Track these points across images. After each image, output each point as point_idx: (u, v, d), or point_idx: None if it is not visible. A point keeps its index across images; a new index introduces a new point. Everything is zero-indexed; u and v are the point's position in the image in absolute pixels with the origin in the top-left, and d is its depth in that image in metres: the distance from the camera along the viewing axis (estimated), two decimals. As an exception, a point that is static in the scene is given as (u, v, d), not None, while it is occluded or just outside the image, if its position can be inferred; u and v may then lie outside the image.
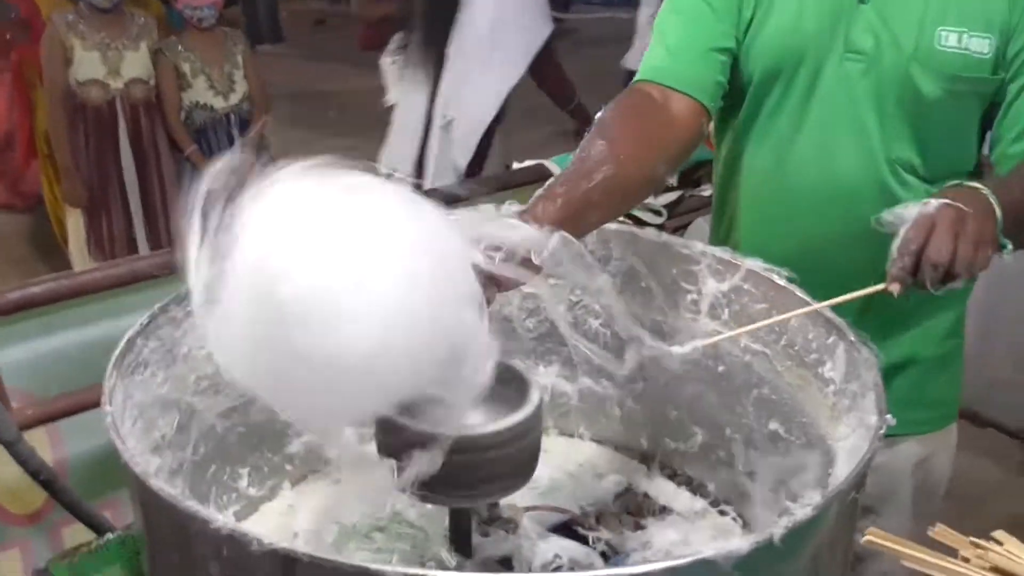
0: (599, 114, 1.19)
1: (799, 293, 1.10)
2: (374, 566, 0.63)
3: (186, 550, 0.75)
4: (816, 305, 1.06)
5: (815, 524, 0.72)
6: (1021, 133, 1.19)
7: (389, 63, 2.97)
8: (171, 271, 1.40)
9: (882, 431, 0.82)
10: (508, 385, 0.98)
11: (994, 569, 0.53)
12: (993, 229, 1.01)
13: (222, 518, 0.68)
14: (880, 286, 0.98)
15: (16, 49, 3.35)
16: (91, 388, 1.41)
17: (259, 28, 7.63)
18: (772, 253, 1.16)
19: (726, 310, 1.22)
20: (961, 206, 0.98)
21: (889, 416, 0.84)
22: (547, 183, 1.05)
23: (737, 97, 1.32)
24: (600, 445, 1.41)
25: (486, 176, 1.78)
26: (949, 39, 1.17)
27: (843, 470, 0.84)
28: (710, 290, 1.23)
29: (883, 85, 1.21)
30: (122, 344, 1.00)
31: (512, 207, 1.16)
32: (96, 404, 1.39)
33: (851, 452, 0.88)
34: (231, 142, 3.15)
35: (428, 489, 0.86)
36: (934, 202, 0.98)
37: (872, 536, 0.57)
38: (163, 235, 3.08)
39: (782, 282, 1.12)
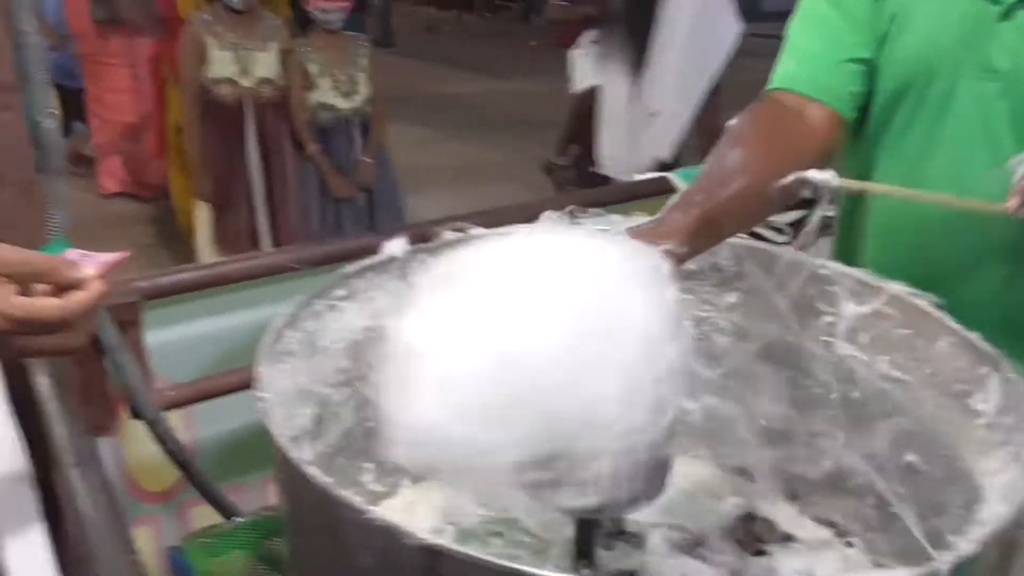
0: (732, 122, 1.18)
1: (948, 321, 1.06)
2: (527, 568, 0.63)
3: (336, 538, 0.76)
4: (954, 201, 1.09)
5: (979, 560, 0.69)
6: None
7: (581, 55, 3.40)
8: (305, 266, 1.47)
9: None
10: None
11: None
12: None
13: (378, 510, 0.69)
14: (995, 206, 1.01)
15: (152, 45, 3.52)
16: (226, 374, 1.48)
17: (371, 33, 7.89)
18: (897, 277, 1.12)
19: (864, 334, 1.19)
20: None
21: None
22: (683, 193, 1.04)
23: (867, 112, 1.29)
24: (721, 467, 1.38)
25: (610, 187, 1.79)
26: None
27: (998, 505, 0.81)
28: (849, 313, 1.19)
29: (1021, 107, 1.16)
30: (272, 332, 1.03)
31: (640, 218, 1.15)
32: (231, 390, 1.46)
33: (1007, 486, 0.85)
34: (351, 143, 3.23)
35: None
36: None
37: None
38: (285, 231, 3.18)
39: (929, 308, 1.08)
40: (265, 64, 3.13)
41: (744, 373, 1.30)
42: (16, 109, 1.08)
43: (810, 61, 1.24)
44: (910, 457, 1.12)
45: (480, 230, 1.34)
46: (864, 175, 1.33)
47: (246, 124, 3.16)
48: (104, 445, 1.38)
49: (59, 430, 0.91)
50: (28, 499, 0.82)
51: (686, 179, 1.93)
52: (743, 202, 1.06)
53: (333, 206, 3.24)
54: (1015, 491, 0.81)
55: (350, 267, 1.21)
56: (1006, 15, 1.15)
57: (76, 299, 0.72)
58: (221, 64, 3.10)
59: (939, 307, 1.08)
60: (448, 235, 1.31)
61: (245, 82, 3.12)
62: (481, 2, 11.68)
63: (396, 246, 1.26)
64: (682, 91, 3.08)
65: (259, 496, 1.63)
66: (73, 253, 0.77)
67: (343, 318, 1.21)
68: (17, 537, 0.77)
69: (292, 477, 0.81)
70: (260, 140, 3.20)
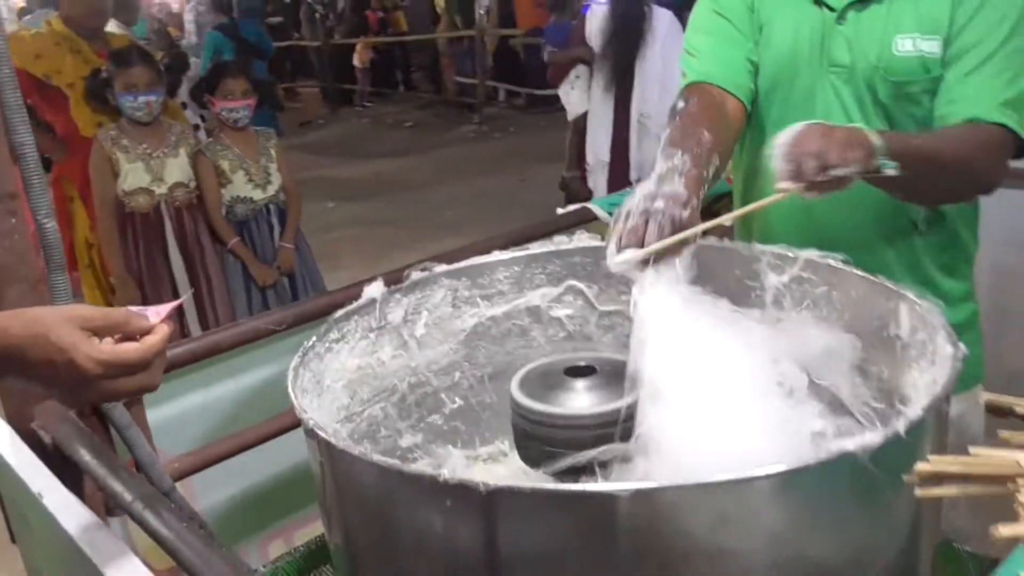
0: (679, 104, 1.39)
1: (856, 271, 1.27)
2: (594, 487, 0.77)
3: (407, 511, 0.88)
4: (726, 217, 1.28)
5: (925, 424, 0.86)
6: (947, 100, 1.38)
7: (569, 89, 4.74)
8: (284, 326, 1.58)
9: (960, 357, 0.97)
10: (617, 379, 1.14)
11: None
12: (864, 140, 1.19)
13: (445, 471, 0.82)
14: (777, 196, 1.18)
15: (55, 166, 3.54)
16: (223, 440, 1.57)
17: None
18: (790, 242, 1.33)
19: (788, 298, 1.38)
20: (825, 123, 1.20)
21: (961, 344, 1.00)
22: (678, 161, 1.19)
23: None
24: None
25: (536, 223, 1.98)
26: (904, 45, 1.38)
27: (926, 395, 0.99)
28: (771, 283, 1.39)
29: (861, 91, 1.41)
30: (291, 373, 1.15)
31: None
32: (230, 455, 1.55)
33: (929, 382, 1.04)
34: (271, 231, 3.34)
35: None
36: (801, 123, 1.19)
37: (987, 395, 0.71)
38: (212, 322, 3.23)
39: (839, 265, 1.29)
40: (176, 169, 3.22)
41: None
42: (21, 213, 1.18)
43: (721, 63, 1.47)
44: (845, 392, 1.31)
45: (442, 266, 1.49)
46: (751, 162, 1.58)
47: (165, 229, 3.23)
48: (113, 525, 1.44)
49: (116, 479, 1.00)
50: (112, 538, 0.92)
51: (603, 206, 2.14)
52: (716, 174, 1.27)
53: (259, 294, 3.32)
54: (938, 380, 0.99)
55: (338, 313, 1.34)
56: (840, 18, 1.41)
57: (151, 342, 0.84)
58: (134, 175, 3.17)
59: (846, 263, 1.29)
60: (415, 275, 1.46)
61: (159, 189, 3.20)
62: (360, 95, 12.00)
63: (374, 289, 1.40)
64: (665, 93, 4.07)
65: (262, 555, 1.70)
66: (132, 308, 0.89)
67: (339, 359, 1.34)
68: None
69: (347, 464, 0.93)
70: (180, 242, 3.27)
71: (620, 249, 1.07)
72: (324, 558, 1.58)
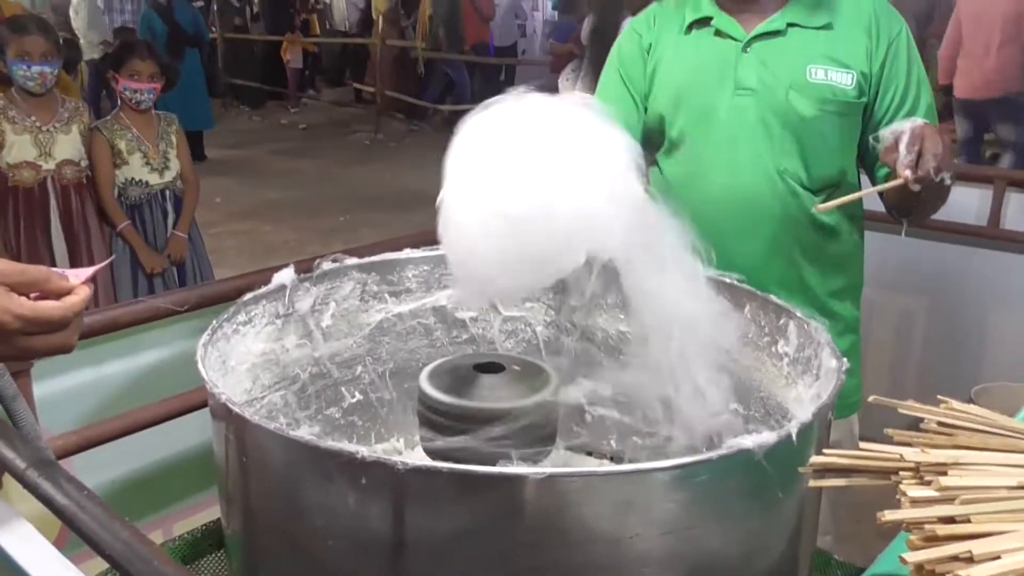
0: None
1: (749, 290, 1.35)
2: (507, 470, 0.81)
3: (318, 488, 0.89)
4: (869, 191, 1.46)
5: (811, 428, 0.94)
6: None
7: (564, 80, 5.38)
8: (186, 308, 1.55)
9: (844, 369, 1.05)
10: (535, 376, 1.18)
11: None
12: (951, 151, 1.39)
13: (363, 450, 0.83)
14: (898, 181, 1.31)
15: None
16: (109, 421, 1.51)
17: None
18: None
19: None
20: (931, 126, 1.36)
21: (845, 360, 1.08)
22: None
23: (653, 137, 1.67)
24: (572, 452, 1.58)
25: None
26: (817, 73, 1.53)
27: (810, 408, 1.07)
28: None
29: (769, 112, 1.54)
30: (200, 350, 1.13)
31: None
32: (115, 436, 1.50)
33: (813, 396, 1.12)
34: (165, 217, 3.24)
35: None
36: (918, 119, 1.36)
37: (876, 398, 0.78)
38: (91, 307, 3.10)
39: (735, 283, 1.37)
40: (66, 146, 3.08)
41: (591, 362, 1.54)
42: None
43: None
44: (733, 405, 1.39)
45: (353, 259, 1.50)
46: (657, 181, 1.67)
47: (50, 206, 3.09)
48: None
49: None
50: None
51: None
52: None
53: (146, 281, 3.21)
54: (822, 393, 1.07)
55: (248, 296, 1.33)
56: (745, 48, 1.53)
57: (72, 301, 0.82)
58: (20, 148, 3.02)
59: (741, 282, 1.37)
60: (326, 265, 1.46)
61: (46, 164, 3.06)
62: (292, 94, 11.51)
63: (285, 276, 1.39)
64: None
65: (143, 544, 1.65)
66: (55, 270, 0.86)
67: (244, 342, 1.32)
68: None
69: (261, 438, 0.93)
70: (64, 222, 3.13)
71: None
72: (208, 547, 1.55)
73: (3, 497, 1.35)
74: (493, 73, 9.79)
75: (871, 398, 0.81)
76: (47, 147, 3.07)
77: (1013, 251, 2.65)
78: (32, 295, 0.82)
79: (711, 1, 1.60)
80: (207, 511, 1.66)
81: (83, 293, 0.84)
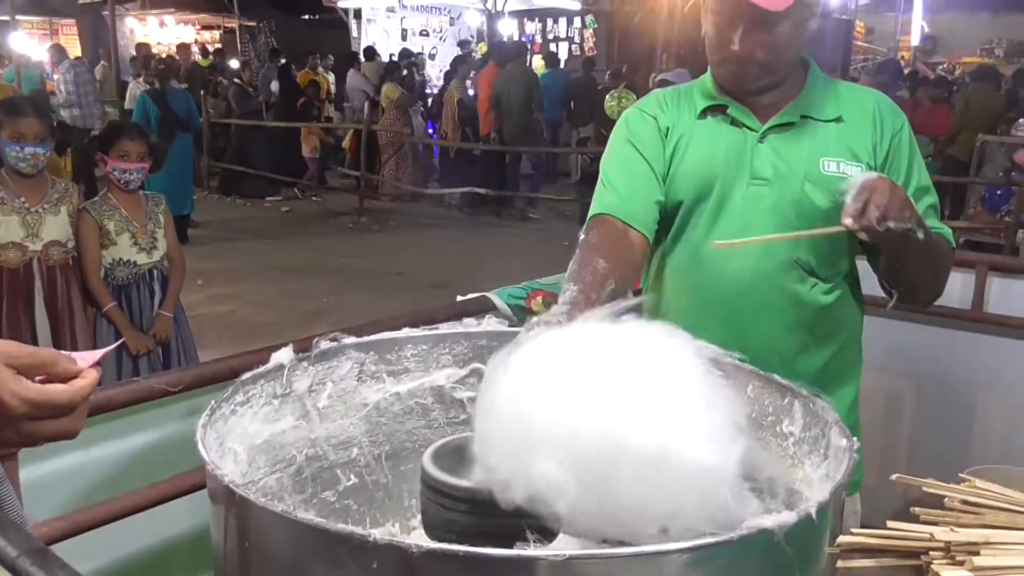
0: (583, 236, 1.48)
1: (753, 369, 1.35)
2: (525, 553, 0.79)
3: (326, 574, 0.86)
4: (800, 233, 1.47)
5: (828, 508, 0.92)
6: None
7: None
8: (180, 388, 1.52)
9: (856, 448, 1.04)
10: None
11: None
12: (913, 207, 1.41)
13: (375, 532, 0.81)
14: (838, 227, 1.36)
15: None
16: (93, 507, 1.47)
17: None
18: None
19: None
20: (891, 181, 1.41)
21: (855, 439, 1.07)
22: (568, 296, 1.32)
23: (666, 223, 1.65)
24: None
25: (441, 306, 2.00)
26: (830, 166, 1.56)
27: (823, 488, 1.05)
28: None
29: (782, 201, 1.56)
30: (200, 431, 1.11)
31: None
32: (104, 522, 1.45)
33: (828, 474, 1.10)
34: (152, 296, 3.22)
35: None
36: (874, 173, 1.42)
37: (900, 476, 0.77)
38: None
39: (737, 363, 1.36)
40: (54, 227, 3.08)
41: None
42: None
43: (626, 198, 1.58)
44: (747, 486, 1.37)
45: (351, 338, 1.49)
46: (660, 270, 1.68)
47: (34, 287, 3.07)
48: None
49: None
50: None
51: (502, 297, 2.19)
52: (611, 296, 1.35)
53: (130, 362, 3.16)
54: (832, 473, 1.06)
55: (246, 375, 1.31)
56: (761, 139, 1.55)
57: (80, 385, 0.81)
58: (8, 228, 3.01)
59: (743, 361, 1.37)
60: (324, 344, 1.45)
61: (33, 245, 3.05)
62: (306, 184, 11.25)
63: (283, 355, 1.38)
64: None
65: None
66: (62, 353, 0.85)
67: (241, 423, 1.30)
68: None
69: (275, 524, 0.90)
70: (48, 302, 3.10)
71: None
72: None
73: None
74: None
75: (894, 476, 0.80)
76: (35, 228, 3.07)
77: (996, 334, 2.68)
78: (38, 378, 0.80)
79: (717, 89, 1.63)
80: (195, 599, 1.61)
81: (91, 377, 0.82)
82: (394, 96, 10.36)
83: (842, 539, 0.73)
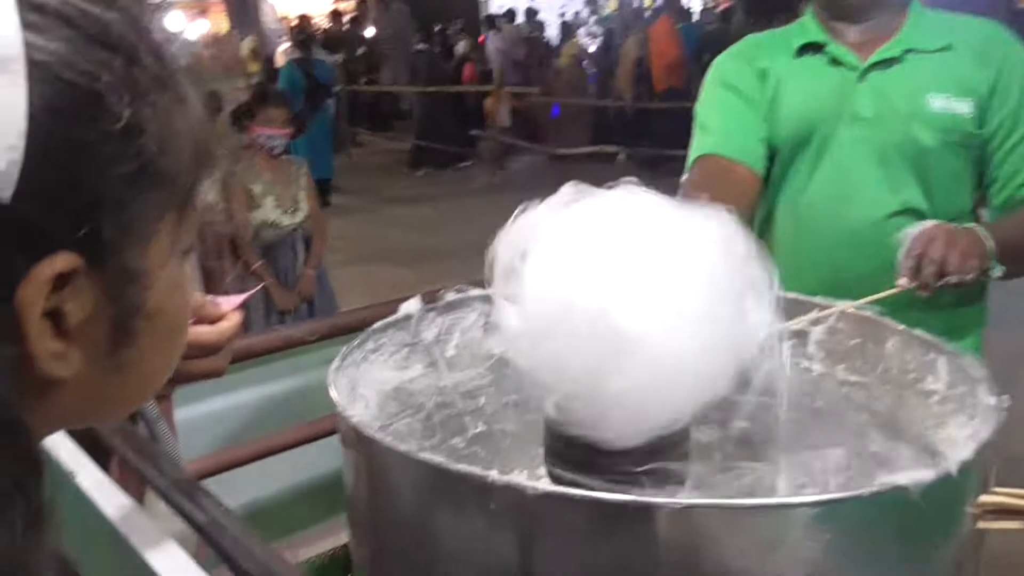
0: (684, 178, 1.43)
1: (892, 324, 1.28)
2: (643, 499, 0.78)
3: (446, 513, 0.88)
4: (844, 306, 1.30)
5: (971, 467, 0.86)
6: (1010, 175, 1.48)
7: None
8: (317, 338, 1.59)
9: (1005, 406, 0.97)
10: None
11: None
12: (981, 249, 1.30)
13: (494, 473, 0.81)
14: (895, 289, 1.28)
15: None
16: (239, 447, 1.56)
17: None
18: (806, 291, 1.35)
19: (820, 350, 1.39)
20: (952, 227, 1.31)
21: (1005, 396, 1.00)
22: None
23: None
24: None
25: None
26: (937, 102, 1.45)
27: (970, 445, 0.98)
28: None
29: (887, 143, 1.46)
30: (331, 375, 1.15)
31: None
32: (247, 461, 1.54)
33: (969, 436, 1.03)
34: (296, 256, 3.37)
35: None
36: (931, 222, 1.32)
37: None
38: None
39: (875, 316, 1.30)
40: (206, 191, 3.25)
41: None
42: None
43: (730, 135, 1.53)
44: (875, 448, 1.31)
45: (476, 290, 1.51)
46: (765, 220, 1.62)
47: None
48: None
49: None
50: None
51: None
52: None
53: (277, 319, 3.33)
54: (980, 432, 0.99)
55: (377, 324, 1.35)
56: (862, 77, 1.47)
57: (224, 327, 0.85)
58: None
59: (881, 314, 1.30)
60: (450, 295, 1.47)
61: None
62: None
63: (411, 305, 1.41)
64: None
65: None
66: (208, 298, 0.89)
67: (372, 369, 1.34)
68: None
69: (398, 461, 0.93)
70: (202, 262, 3.30)
71: None
72: (335, 573, 1.57)
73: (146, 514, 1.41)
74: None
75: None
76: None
77: None
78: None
79: (818, 25, 1.54)
80: (335, 538, 1.68)
81: (235, 319, 0.86)
82: (575, 52, 10.21)
83: (984, 498, 0.68)
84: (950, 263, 1.27)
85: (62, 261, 0.43)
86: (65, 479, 1.03)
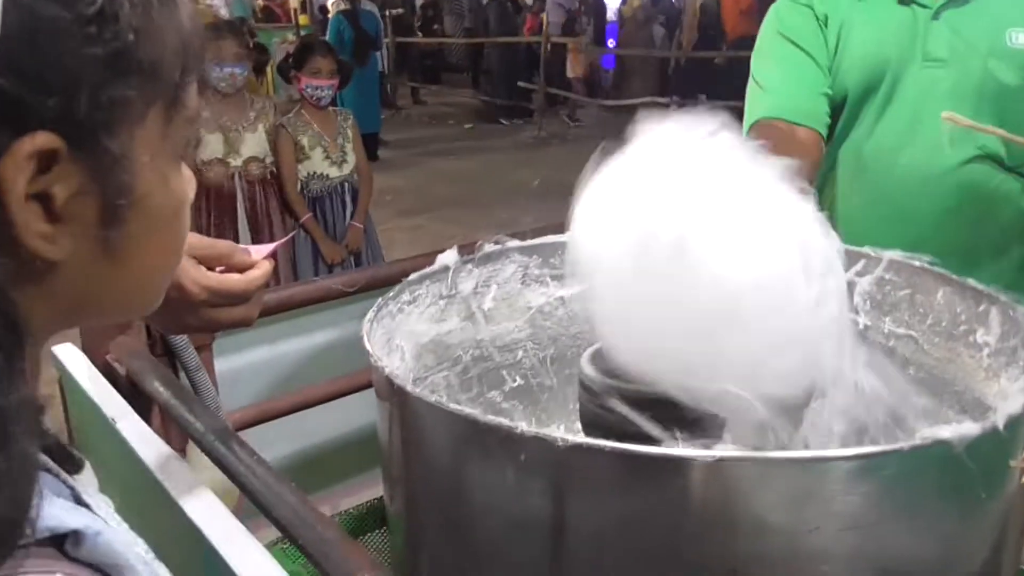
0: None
1: (943, 272, 1.23)
2: (675, 451, 0.76)
3: (477, 465, 0.88)
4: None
5: (1020, 422, 0.83)
6: None
7: None
8: (354, 290, 1.59)
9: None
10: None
11: None
12: None
13: (522, 424, 0.80)
14: None
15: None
16: (283, 397, 1.58)
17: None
18: (868, 241, 1.30)
19: (868, 301, 1.35)
20: None
21: (1060, 348, 0.96)
22: None
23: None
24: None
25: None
26: (1019, 38, 1.36)
27: (1020, 399, 0.95)
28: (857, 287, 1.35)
29: (963, 83, 1.39)
30: (365, 325, 1.15)
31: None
32: (289, 411, 1.56)
33: (1021, 389, 0.99)
34: (344, 208, 3.39)
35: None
36: None
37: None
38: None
39: (925, 265, 1.25)
40: (253, 143, 3.28)
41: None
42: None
43: (790, 94, 1.46)
44: (923, 402, 1.27)
45: (515, 242, 1.49)
46: (828, 165, 1.55)
47: (236, 200, 3.30)
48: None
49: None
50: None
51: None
52: None
53: (326, 271, 3.36)
54: (1030, 386, 0.95)
55: (413, 275, 1.34)
56: (935, 15, 1.39)
57: (254, 275, 0.85)
58: (211, 146, 3.24)
59: (931, 264, 1.25)
60: (488, 247, 1.46)
61: (234, 161, 3.26)
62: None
63: (448, 257, 1.40)
64: None
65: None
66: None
67: (408, 321, 1.34)
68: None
69: (426, 411, 0.92)
70: (250, 215, 3.33)
71: None
72: (373, 524, 1.59)
73: (188, 464, 1.44)
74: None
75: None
76: (235, 145, 3.28)
77: None
78: (218, 269, 0.85)
79: None
80: (373, 489, 1.70)
81: (265, 268, 0.86)
82: (637, 4, 9.96)
83: (1029, 451, 0.65)
84: None
85: (42, 139, 0.44)
86: (107, 426, 1.05)
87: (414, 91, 11.37)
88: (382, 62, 9.61)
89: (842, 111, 1.51)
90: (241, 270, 0.85)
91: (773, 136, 1.41)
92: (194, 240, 0.84)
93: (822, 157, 1.50)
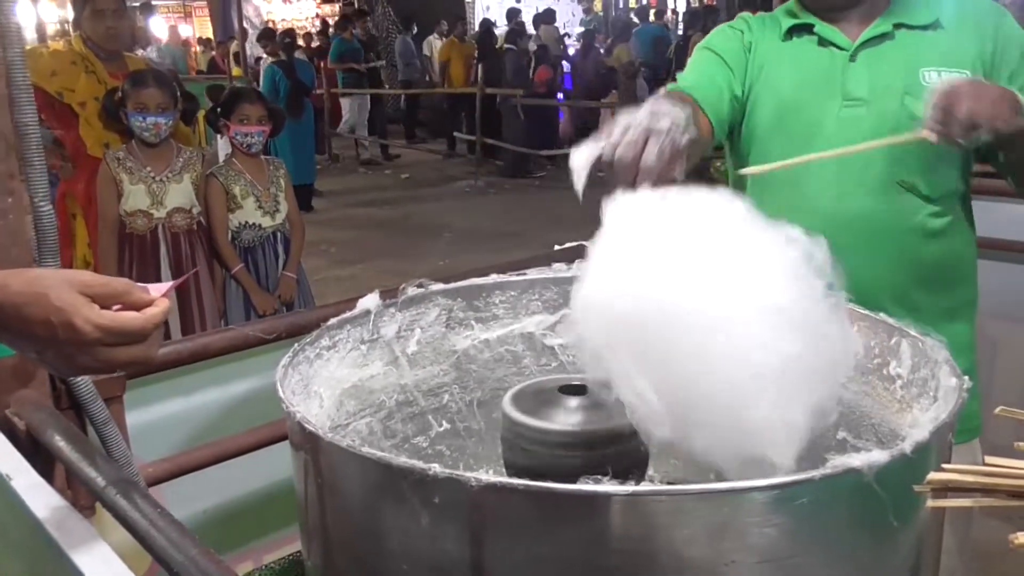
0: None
1: (858, 309, 1.25)
2: (589, 488, 0.75)
3: (391, 509, 0.85)
4: (859, 147, 1.34)
5: (928, 448, 0.84)
6: None
7: None
8: (276, 336, 1.55)
9: (966, 388, 0.95)
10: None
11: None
12: (1014, 99, 1.24)
13: (436, 466, 0.79)
14: (915, 133, 1.25)
15: (61, 182, 3.54)
16: (200, 449, 1.52)
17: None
18: None
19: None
20: (981, 79, 1.28)
21: (966, 378, 0.98)
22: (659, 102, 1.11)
23: (741, 139, 1.57)
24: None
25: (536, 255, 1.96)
26: (931, 76, 1.42)
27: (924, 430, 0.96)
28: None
29: (882, 120, 1.43)
30: (279, 371, 1.12)
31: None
32: (207, 464, 1.50)
33: (931, 418, 1.01)
34: (276, 259, 3.33)
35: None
36: (957, 77, 1.30)
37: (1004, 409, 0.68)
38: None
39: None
40: (178, 195, 3.21)
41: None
42: (18, 194, 1.17)
43: (701, 84, 1.51)
44: (841, 435, 1.29)
45: (438, 285, 1.48)
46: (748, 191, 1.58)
47: (160, 252, 3.22)
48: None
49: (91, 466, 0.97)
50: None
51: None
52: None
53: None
54: (942, 414, 0.97)
55: (332, 320, 1.32)
56: (852, 57, 1.45)
57: (151, 313, 0.82)
58: (135, 197, 3.17)
59: (849, 300, 1.27)
60: (411, 290, 1.44)
61: (158, 213, 3.19)
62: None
63: (369, 301, 1.38)
64: None
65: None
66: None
67: (328, 367, 1.31)
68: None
69: (340, 457, 0.90)
70: (174, 266, 3.25)
71: (610, 159, 1.01)
72: (295, 578, 1.54)
73: (96, 525, 1.37)
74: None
75: (998, 409, 0.72)
76: (159, 196, 3.21)
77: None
78: (115, 307, 0.82)
79: (803, 9, 1.53)
80: (296, 543, 1.65)
81: (163, 305, 0.83)
82: (625, 59, 9.90)
83: (932, 476, 0.66)
84: (980, 115, 1.19)
85: None
86: (1, 483, 0.99)
87: (384, 148, 11.33)
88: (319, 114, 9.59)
89: (759, 140, 1.55)
90: (139, 308, 0.82)
91: (678, 96, 1.43)
92: (88, 278, 0.81)
93: (709, 145, 1.53)
